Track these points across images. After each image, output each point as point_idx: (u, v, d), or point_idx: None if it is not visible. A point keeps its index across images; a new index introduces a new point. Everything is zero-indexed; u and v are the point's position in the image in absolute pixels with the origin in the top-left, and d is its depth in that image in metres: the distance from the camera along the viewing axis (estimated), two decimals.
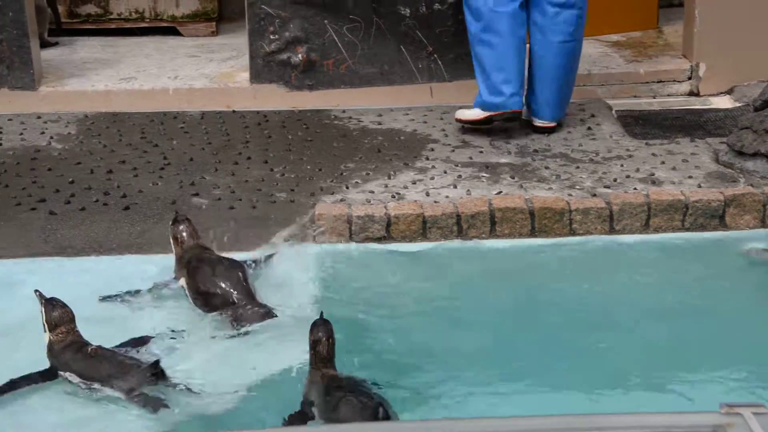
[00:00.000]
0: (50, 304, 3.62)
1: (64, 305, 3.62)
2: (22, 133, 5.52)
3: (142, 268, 4.24)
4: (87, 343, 3.59)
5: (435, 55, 5.97)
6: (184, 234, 4.19)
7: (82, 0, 6.91)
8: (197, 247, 4.19)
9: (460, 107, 5.82)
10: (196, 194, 4.81)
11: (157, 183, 4.94)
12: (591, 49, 6.47)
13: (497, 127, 5.56)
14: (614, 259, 4.45)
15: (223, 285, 4.01)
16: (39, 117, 5.74)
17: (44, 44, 6.36)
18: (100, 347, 3.57)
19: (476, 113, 5.44)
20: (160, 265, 4.27)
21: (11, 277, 4.16)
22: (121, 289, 4.06)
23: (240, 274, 4.07)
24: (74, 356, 3.55)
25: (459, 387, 3.61)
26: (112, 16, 6.95)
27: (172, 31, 6.93)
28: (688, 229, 4.56)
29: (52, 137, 5.48)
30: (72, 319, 3.62)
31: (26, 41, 5.79)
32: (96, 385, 3.51)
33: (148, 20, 6.94)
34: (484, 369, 3.71)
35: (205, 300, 4.00)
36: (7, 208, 4.66)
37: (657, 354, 3.80)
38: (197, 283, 4.03)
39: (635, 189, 4.76)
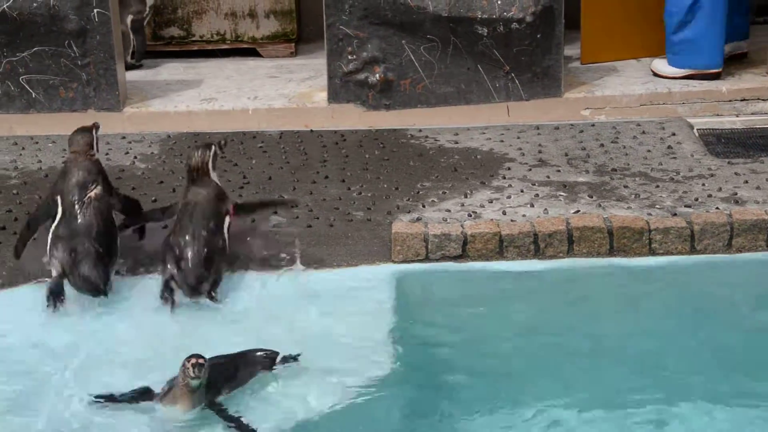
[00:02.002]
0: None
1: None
2: (107, 153, 5.66)
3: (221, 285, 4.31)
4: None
5: (512, 74, 5.96)
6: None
7: (165, 23, 7.08)
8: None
9: (537, 126, 5.81)
10: (275, 213, 4.87)
11: (237, 202, 5.01)
12: None
13: (574, 146, 5.53)
14: (695, 280, 4.37)
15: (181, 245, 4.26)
16: (123, 137, 5.88)
17: (127, 67, 6.52)
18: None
19: (674, 71, 5.96)
20: (238, 281, 4.35)
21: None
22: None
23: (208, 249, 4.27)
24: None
25: (543, 413, 3.59)
26: (194, 39, 7.10)
27: (252, 53, 7.04)
28: None
29: (135, 157, 5.61)
30: None
31: (113, 64, 5.95)
32: None
33: (229, 42, 7.08)
34: (569, 395, 3.68)
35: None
36: None
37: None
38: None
39: (717, 208, 4.68)
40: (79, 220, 4.34)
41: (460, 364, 3.88)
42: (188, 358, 3.56)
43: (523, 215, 4.72)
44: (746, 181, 4.98)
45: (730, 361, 3.86)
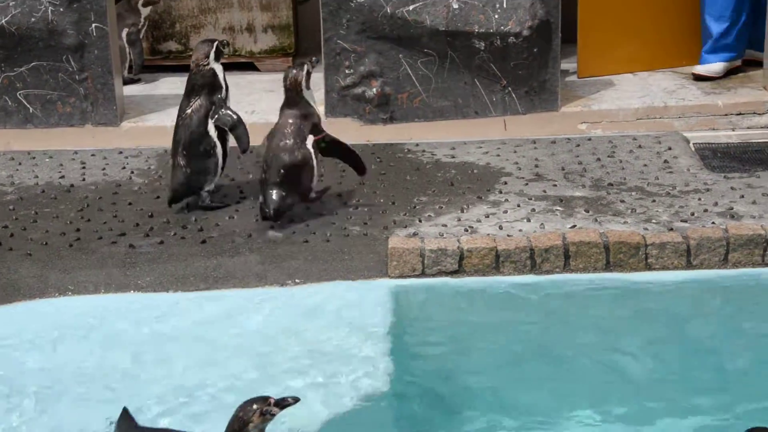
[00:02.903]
0: None
1: None
2: (104, 168, 5.67)
3: (216, 302, 4.31)
4: None
5: (509, 88, 5.97)
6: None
7: (163, 37, 7.10)
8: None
9: (534, 140, 5.82)
10: (272, 227, 4.87)
11: (233, 217, 5.02)
12: (667, 81, 6.40)
13: (570, 160, 5.54)
14: (692, 295, 4.38)
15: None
16: (120, 152, 5.89)
17: (124, 81, 6.54)
18: None
19: (720, 68, 6.27)
20: (235, 298, 4.35)
21: (93, 313, 4.27)
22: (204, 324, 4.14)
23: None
24: None
25: (541, 428, 3.59)
26: (191, 53, 7.10)
27: (250, 67, 7.06)
28: None
29: (132, 171, 5.62)
30: None
31: (110, 78, 5.97)
32: None
33: (226, 56, 7.04)
34: (566, 410, 3.68)
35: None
36: (90, 242, 4.79)
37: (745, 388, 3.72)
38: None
39: (713, 223, 4.68)
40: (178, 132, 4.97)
41: (456, 379, 3.88)
42: (264, 400, 3.13)
43: (520, 230, 4.72)
44: (742, 196, 4.98)
45: (729, 377, 3.86)
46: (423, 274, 4.50)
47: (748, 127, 5.97)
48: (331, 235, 4.80)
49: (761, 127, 5.95)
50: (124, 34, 6.68)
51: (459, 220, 4.87)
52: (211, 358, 3.98)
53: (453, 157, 5.69)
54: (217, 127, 4.99)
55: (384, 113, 6.01)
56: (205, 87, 4.99)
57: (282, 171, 4.77)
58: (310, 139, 4.82)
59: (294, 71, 4.88)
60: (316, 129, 4.88)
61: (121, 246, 4.73)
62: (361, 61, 5.94)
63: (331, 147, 4.97)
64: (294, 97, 4.86)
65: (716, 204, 4.91)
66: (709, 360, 3.97)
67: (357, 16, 5.86)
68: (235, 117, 5.04)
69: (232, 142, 5.09)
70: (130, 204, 5.19)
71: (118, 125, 6.03)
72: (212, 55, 5.05)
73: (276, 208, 4.76)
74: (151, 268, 4.54)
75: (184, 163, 4.97)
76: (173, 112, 6.19)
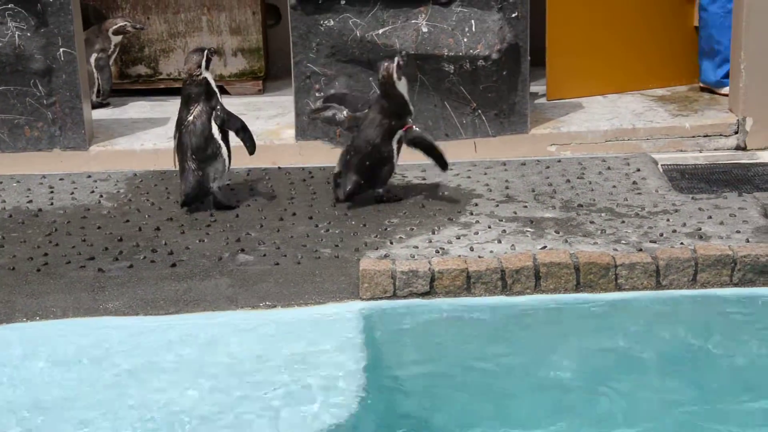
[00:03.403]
0: None
1: None
2: (72, 192, 5.63)
3: (188, 326, 4.28)
4: None
5: (479, 111, 6.00)
6: None
7: (132, 61, 7.09)
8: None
9: (504, 162, 5.85)
10: (242, 250, 4.85)
11: (204, 240, 4.99)
12: (636, 103, 6.47)
13: (540, 182, 5.57)
14: (662, 315, 4.40)
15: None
16: (89, 176, 5.86)
17: (93, 106, 6.51)
18: None
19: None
20: (206, 322, 4.32)
21: (64, 338, 4.22)
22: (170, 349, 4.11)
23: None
24: None
25: None
26: (161, 77, 7.10)
27: (220, 90, 7.02)
28: (736, 285, 4.50)
29: (101, 195, 5.58)
30: None
31: (78, 103, 5.94)
32: None
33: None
34: (538, 429, 3.68)
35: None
36: (58, 267, 4.74)
37: (700, 410, 3.74)
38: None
39: (682, 244, 4.71)
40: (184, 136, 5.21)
41: (428, 401, 3.87)
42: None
43: (491, 251, 4.73)
44: (710, 217, 5.03)
45: (699, 395, 3.88)
46: (394, 296, 4.49)
47: (715, 149, 6.03)
48: (303, 257, 4.79)
49: (728, 149, 6.02)
50: (92, 59, 6.66)
51: (430, 241, 4.88)
52: (181, 383, 3.94)
53: (424, 179, 5.71)
54: (220, 130, 5.25)
55: None
56: (201, 95, 5.24)
57: (365, 162, 5.19)
58: (399, 133, 5.18)
59: (386, 63, 5.15)
60: (404, 121, 5.19)
61: (89, 270, 4.69)
62: (331, 85, 5.96)
63: (415, 140, 5.25)
64: (388, 89, 5.17)
65: (684, 225, 4.95)
66: (678, 379, 3.98)
67: (326, 39, 5.88)
68: (240, 120, 5.35)
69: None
70: (99, 228, 5.15)
71: (86, 149, 6.00)
72: (203, 64, 5.28)
73: (350, 193, 5.21)
74: (121, 292, 4.51)
75: (195, 167, 5.22)
76: (143, 136, 6.19)
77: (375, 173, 5.24)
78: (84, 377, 4.00)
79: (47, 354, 4.13)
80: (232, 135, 5.34)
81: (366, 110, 5.25)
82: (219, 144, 5.26)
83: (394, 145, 5.22)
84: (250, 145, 5.37)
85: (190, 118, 5.21)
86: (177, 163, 5.32)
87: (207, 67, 5.27)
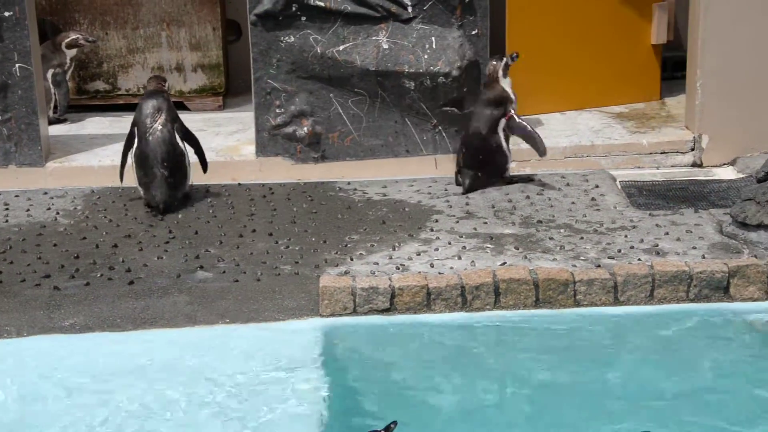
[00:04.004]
0: None
1: None
2: (28, 210, 5.56)
3: (145, 344, 4.23)
4: None
5: (439, 127, 6.02)
6: None
7: (90, 77, 7.02)
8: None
9: None
10: (201, 267, 4.82)
11: (162, 257, 4.95)
12: (594, 120, 6.52)
13: (500, 198, 5.59)
14: (619, 331, 4.42)
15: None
16: (45, 193, 5.79)
17: (50, 122, 6.44)
18: None
19: None
20: (163, 340, 4.28)
21: (17, 356, 4.16)
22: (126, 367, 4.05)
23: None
24: None
25: None
26: (120, 92, 7.05)
27: (179, 106, 6.98)
28: (692, 300, 4.55)
29: (58, 212, 5.52)
30: None
31: (35, 119, 5.88)
32: None
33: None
34: None
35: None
36: (12, 285, 4.68)
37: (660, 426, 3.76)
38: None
39: (639, 260, 4.75)
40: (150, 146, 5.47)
41: (388, 418, 3.84)
42: None
43: (451, 267, 4.74)
44: (667, 233, 5.07)
45: (656, 410, 3.90)
46: (355, 313, 4.48)
47: (672, 166, 6.10)
48: (262, 274, 4.76)
49: (684, 166, 6.09)
50: (49, 74, 6.60)
51: (390, 258, 4.88)
52: (136, 402, 3.89)
53: (385, 195, 5.71)
54: (182, 138, 5.58)
55: (315, 152, 6.01)
56: (167, 104, 5.60)
57: (476, 155, 5.63)
58: (502, 123, 5.61)
59: (494, 63, 5.69)
60: (507, 111, 5.62)
61: (45, 288, 4.63)
62: (291, 101, 5.95)
63: (515, 128, 5.65)
64: (491, 83, 5.68)
65: (642, 241, 4.99)
66: (635, 394, 4.00)
67: (287, 56, 5.88)
68: (195, 137, 5.69)
69: None
70: (55, 245, 5.09)
71: (42, 166, 5.93)
72: (167, 85, 5.77)
73: (469, 188, 5.63)
74: (77, 310, 4.45)
75: (168, 174, 5.47)
76: (101, 153, 6.13)
77: (489, 164, 5.65)
78: (34, 396, 3.93)
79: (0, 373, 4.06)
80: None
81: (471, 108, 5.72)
82: (184, 151, 5.57)
83: (501, 134, 5.63)
84: (205, 163, 5.73)
85: (158, 126, 5.47)
86: (139, 173, 5.51)
87: (505, 75, 5.72)
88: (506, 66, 5.69)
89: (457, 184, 5.74)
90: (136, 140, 5.52)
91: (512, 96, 5.70)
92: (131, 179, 5.76)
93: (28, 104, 5.85)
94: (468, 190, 5.64)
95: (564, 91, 6.62)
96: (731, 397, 3.95)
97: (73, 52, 6.72)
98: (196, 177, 5.88)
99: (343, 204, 5.59)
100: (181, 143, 5.57)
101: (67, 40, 6.65)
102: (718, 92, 6.00)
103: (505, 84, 5.69)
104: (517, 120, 5.67)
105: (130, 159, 5.54)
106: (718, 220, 5.18)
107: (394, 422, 3.37)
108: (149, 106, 5.55)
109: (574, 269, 4.64)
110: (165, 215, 5.44)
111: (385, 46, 5.88)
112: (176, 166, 5.51)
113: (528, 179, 5.78)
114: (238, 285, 4.66)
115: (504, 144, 5.69)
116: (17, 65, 5.80)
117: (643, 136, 6.21)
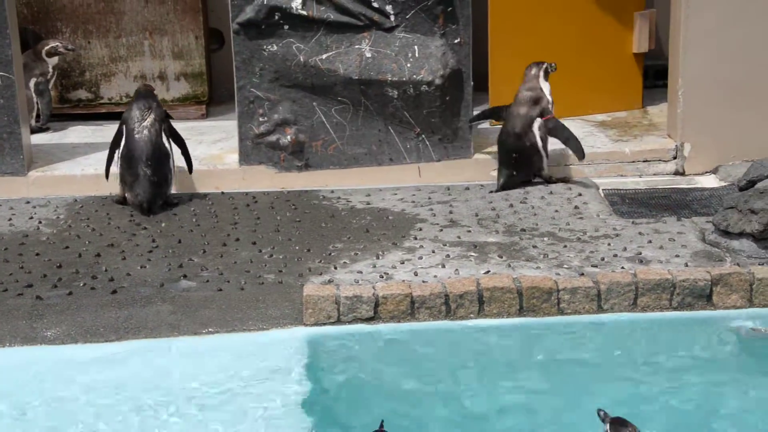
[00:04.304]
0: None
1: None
2: (10, 219, 5.53)
3: (128, 354, 4.21)
4: None
5: (422, 136, 6.03)
6: None
7: (73, 86, 7.00)
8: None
9: (448, 187, 5.89)
10: (184, 276, 4.80)
11: (145, 266, 4.93)
12: (577, 128, 6.53)
13: (484, 206, 5.60)
14: (602, 339, 4.44)
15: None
16: (28, 202, 5.76)
17: (33, 130, 6.42)
18: None
19: None
20: (147, 349, 4.25)
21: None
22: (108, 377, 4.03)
23: None
24: None
25: None
26: (102, 101, 7.03)
27: None
28: (676, 309, 4.56)
29: (40, 221, 5.49)
30: None
31: (17, 128, 5.85)
32: None
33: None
34: None
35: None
36: None
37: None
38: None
39: (623, 268, 4.77)
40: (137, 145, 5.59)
41: (371, 426, 3.84)
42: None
43: (435, 276, 4.74)
44: (650, 241, 5.10)
45: (645, 419, 3.91)
46: (339, 321, 4.47)
47: (655, 174, 6.13)
48: (246, 283, 4.75)
49: (667, 174, 6.12)
50: (32, 84, 6.57)
51: (374, 266, 4.87)
52: (117, 412, 3.87)
53: (368, 203, 5.71)
54: (169, 139, 5.70)
55: (299, 160, 6.00)
56: (155, 103, 5.72)
57: (511, 153, 5.78)
58: (537, 122, 5.76)
59: (535, 67, 5.88)
60: (544, 112, 5.78)
61: (27, 298, 4.60)
62: (275, 109, 5.95)
63: (554, 129, 5.82)
64: (530, 85, 5.83)
65: (625, 249, 5.01)
66: (623, 401, 4.01)
67: (270, 64, 5.87)
68: (182, 138, 5.80)
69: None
70: (37, 254, 5.06)
71: (25, 175, 5.90)
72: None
73: (503, 186, 5.77)
74: (59, 320, 4.42)
75: (151, 173, 5.56)
76: (83, 161, 6.11)
77: (524, 163, 5.80)
78: (18, 406, 3.90)
79: None
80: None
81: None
82: (169, 151, 5.67)
83: (537, 133, 5.77)
84: (191, 164, 5.86)
85: (146, 123, 5.61)
86: (123, 172, 5.61)
87: (545, 78, 5.89)
88: (546, 71, 5.88)
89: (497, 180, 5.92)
90: (123, 139, 5.63)
91: (549, 98, 5.85)
92: (112, 189, 5.76)
93: (9, 113, 5.82)
94: (501, 188, 5.77)
95: None
96: (715, 404, 3.96)
97: (55, 60, 6.69)
98: (179, 185, 5.87)
99: (326, 212, 5.58)
100: (167, 144, 5.66)
101: (46, 47, 6.63)
102: (699, 101, 6.04)
103: (545, 87, 5.87)
104: (556, 121, 5.84)
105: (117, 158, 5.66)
106: (700, 229, 5.21)
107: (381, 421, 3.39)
108: (139, 105, 5.65)
109: (557, 277, 4.65)
110: (149, 215, 5.51)
111: (368, 55, 5.89)
112: (160, 165, 5.58)
113: (565, 180, 5.90)
114: (221, 294, 4.65)
115: (540, 143, 5.81)
116: None
117: (625, 145, 6.24)
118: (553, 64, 5.92)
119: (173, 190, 5.73)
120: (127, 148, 5.58)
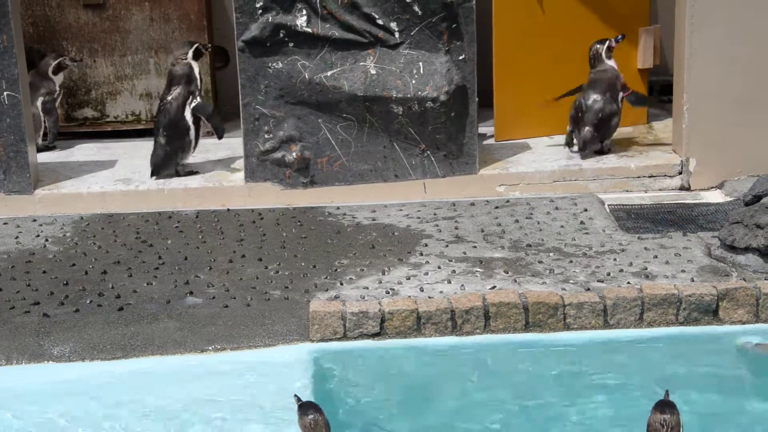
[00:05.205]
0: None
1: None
2: (17, 237, 5.54)
3: (134, 371, 4.21)
4: None
5: (428, 152, 6.04)
6: None
7: (79, 104, 7.03)
8: None
9: (454, 203, 5.89)
10: (191, 293, 4.81)
11: (152, 283, 4.94)
12: None
13: (489, 222, 5.60)
14: (609, 354, 4.43)
15: None
16: (34, 220, 5.78)
17: (39, 149, 6.44)
18: None
19: None
20: (153, 366, 4.26)
21: (3, 386, 4.13)
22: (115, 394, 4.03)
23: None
24: None
25: None
26: (108, 119, 7.06)
27: None
28: (682, 324, 4.55)
29: (47, 239, 5.50)
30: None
31: (23, 146, 5.87)
32: None
33: (144, 122, 7.05)
34: None
35: None
36: (1, 312, 4.65)
37: None
38: None
39: (629, 283, 4.77)
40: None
41: None
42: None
43: (441, 291, 4.74)
44: (656, 256, 5.09)
45: None
46: (345, 337, 4.47)
47: (660, 189, 6.13)
48: (252, 299, 4.75)
49: (672, 189, 6.12)
50: (39, 102, 6.60)
51: (380, 282, 4.88)
52: (126, 430, 3.87)
53: (374, 219, 5.72)
54: (192, 113, 6.05)
55: (304, 177, 6.02)
56: (183, 77, 6.04)
57: (598, 115, 6.19)
58: (620, 96, 6.26)
59: (597, 45, 6.31)
60: (625, 87, 6.29)
61: (34, 315, 4.61)
62: (280, 126, 5.97)
63: (636, 102, 6.40)
64: (595, 63, 6.31)
65: (631, 264, 5.00)
66: (629, 417, 4.00)
67: (275, 82, 5.90)
68: (211, 107, 6.21)
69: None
70: (44, 272, 5.07)
71: (31, 193, 5.92)
72: (191, 53, 6.11)
73: (585, 142, 6.18)
74: (66, 337, 4.43)
75: (164, 142, 6.03)
76: (89, 179, 6.13)
77: (605, 124, 6.22)
78: (26, 424, 3.91)
79: None
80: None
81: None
82: (189, 125, 6.04)
83: (620, 104, 6.27)
84: (220, 131, 6.19)
85: (169, 98, 6.02)
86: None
87: (195, 57, 6.10)
88: (609, 48, 6.29)
89: (567, 145, 6.36)
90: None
91: (619, 73, 6.31)
92: (118, 206, 5.79)
93: (16, 132, 5.85)
94: (583, 147, 6.19)
95: (552, 115, 6.66)
96: (721, 419, 3.94)
97: (61, 77, 6.73)
98: (185, 201, 5.89)
99: (332, 229, 5.59)
100: (189, 118, 6.04)
101: (52, 65, 6.66)
102: (704, 116, 6.05)
103: (610, 62, 6.30)
104: (637, 94, 6.40)
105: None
106: (706, 243, 5.20)
107: None
108: (171, 79, 6.08)
109: (563, 293, 4.64)
110: (152, 177, 6.00)
111: (373, 72, 5.91)
112: (175, 135, 6.02)
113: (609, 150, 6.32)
114: (227, 310, 4.65)
115: (620, 114, 6.31)
116: (5, 93, 5.80)
117: (630, 160, 6.25)
118: (619, 37, 6.29)
119: (188, 161, 6.15)
120: (155, 119, 6.16)
